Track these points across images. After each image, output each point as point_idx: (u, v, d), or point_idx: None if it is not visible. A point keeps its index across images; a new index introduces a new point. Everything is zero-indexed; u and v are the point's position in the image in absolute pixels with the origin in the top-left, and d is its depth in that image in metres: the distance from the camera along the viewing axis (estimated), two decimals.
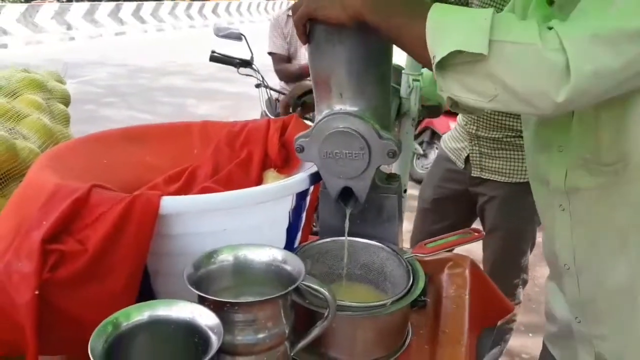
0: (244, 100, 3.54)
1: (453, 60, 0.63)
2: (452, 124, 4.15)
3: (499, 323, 1.16)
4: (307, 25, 0.76)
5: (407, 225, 1.41)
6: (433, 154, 4.16)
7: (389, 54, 0.85)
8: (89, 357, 0.57)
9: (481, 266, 1.60)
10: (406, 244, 1.33)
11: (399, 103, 1.08)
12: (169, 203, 0.74)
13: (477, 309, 0.98)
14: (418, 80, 1.05)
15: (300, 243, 0.97)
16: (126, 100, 6.90)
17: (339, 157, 0.82)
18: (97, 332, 0.61)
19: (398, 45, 0.72)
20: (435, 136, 4.15)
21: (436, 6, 0.65)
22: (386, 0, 0.69)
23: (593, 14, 0.62)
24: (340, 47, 0.77)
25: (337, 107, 0.82)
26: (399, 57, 0.93)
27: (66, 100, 1.26)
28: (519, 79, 0.62)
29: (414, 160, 4.29)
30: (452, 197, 1.70)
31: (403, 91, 1.07)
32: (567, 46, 0.59)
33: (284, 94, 2.92)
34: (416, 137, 4.41)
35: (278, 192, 0.80)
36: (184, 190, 0.98)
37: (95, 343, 0.59)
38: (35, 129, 1.07)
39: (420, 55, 0.67)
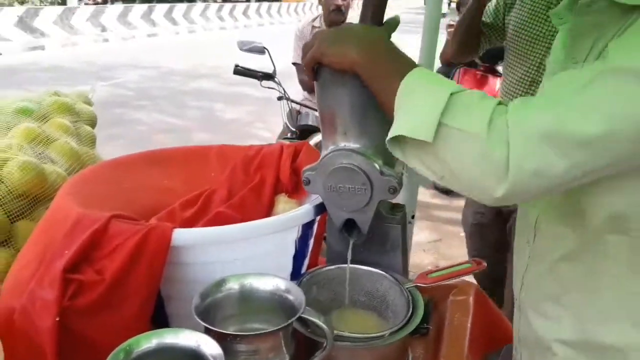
0: (270, 106, 3.60)
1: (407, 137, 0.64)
2: None
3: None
4: (314, 68, 0.80)
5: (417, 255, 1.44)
6: None
7: None
8: None
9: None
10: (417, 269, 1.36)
11: None
12: (181, 235, 0.79)
13: (480, 335, 1.01)
14: None
15: (309, 267, 1.01)
16: (156, 103, 7.06)
17: (342, 191, 0.86)
18: (112, 357, 0.66)
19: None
20: None
21: (411, 75, 0.67)
22: (375, 57, 0.72)
23: (551, 108, 0.59)
24: (343, 89, 0.81)
25: (342, 144, 0.86)
26: None
27: (93, 122, 1.33)
28: (461, 168, 0.61)
29: None
30: (489, 220, 1.81)
31: None
32: (512, 141, 0.57)
33: (306, 106, 2.97)
34: None
35: (283, 224, 0.85)
36: (199, 214, 1.03)
37: None
38: (62, 152, 1.14)
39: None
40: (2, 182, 0.97)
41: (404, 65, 0.70)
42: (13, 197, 0.97)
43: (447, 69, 4.53)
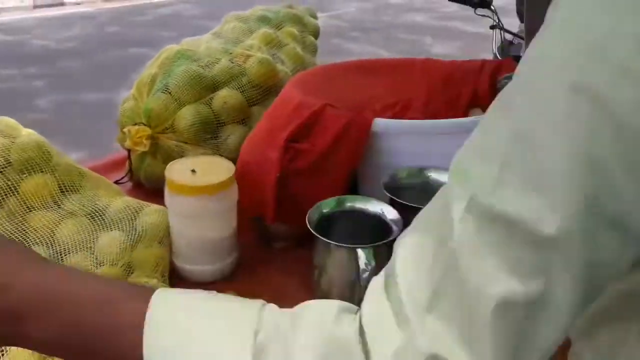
0: (481, 41, 3.49)
1: None
2: None
3: None
4: None
5: None
6: None
7: None
8: (306, 227, 0.79)
9: None
10: None
11: None
12: (379, 123, 0.92)
13: None
14: None
15: None
16: (368, 35, 7.28)
17: None
18: (314, 208, 0.84)
19: None
20: None
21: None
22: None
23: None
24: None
25: None
26: None
27: (316, 34, 1.51)
28: None
29: None
30: None
31: None
32: None
33: (520, 37, 2.83)
34: None
35: (471, 124, 0.91)
36: (396, 116, 1.15)
37: (312, 215, 0.82)
38: (290, 55, 1.35)
39: None
40: (245, 73, 1.21)
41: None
42: (251, 86, 1.20)
43: None
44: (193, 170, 0.90)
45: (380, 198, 0.85)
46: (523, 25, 2.92)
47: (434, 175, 0.92)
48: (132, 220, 0.93)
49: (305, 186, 0.92)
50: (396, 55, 6.20)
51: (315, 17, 1.55)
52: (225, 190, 0.89)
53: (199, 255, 0.92)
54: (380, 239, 0.78)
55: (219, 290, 0.88)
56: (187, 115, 1.13)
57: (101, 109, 4.27)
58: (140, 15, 8.00)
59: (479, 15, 2.65)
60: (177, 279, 0.93)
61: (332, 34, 6.89)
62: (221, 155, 1.15)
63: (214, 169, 0.91)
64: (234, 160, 1.00)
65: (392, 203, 0.84)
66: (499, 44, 2.71)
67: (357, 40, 7.05)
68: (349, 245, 0.76)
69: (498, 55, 2.69)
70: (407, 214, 0.82)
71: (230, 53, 1.24)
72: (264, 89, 1.22)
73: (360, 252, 0.76)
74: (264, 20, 1.41)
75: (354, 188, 0.99)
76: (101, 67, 5.75)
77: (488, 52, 2.95)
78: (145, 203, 0.97)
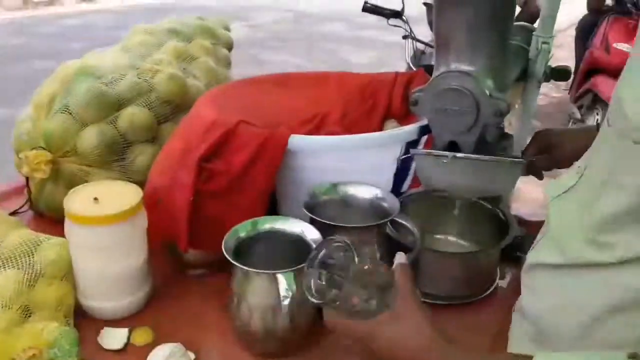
0: (396, 50, 3.58)
1: None
2: None
3: None
4: None
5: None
6: (592, 120, 3.84)
7: (508, 19, 0.88)
8: (222, 253, 0.75)
9: None
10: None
11: (525, 64, 1.09)
12: (295, 140, 0.89)
13: None
14: (547, 43, 1.06)
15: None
16: (287, 45, 7.29)
17: (449, 112, 0.89)
18: (231, 233, 0.79)
19: None
20: (597, 101, 3.81)
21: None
22: None
23: None
24: (461, 9, 0.84)
25: (453, 66, 0.89)
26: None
27: (229, 46, 1.46)
28: None
29: (570, 125, 4.01)
30: None
31: (531, 53, 1.09)
32: None
33: (432, 46, 2.92)
34: (576, 100, 4.09)
35: (387, 139, 0.91)
36: (314, 132, 1.13)
37: (228, 241, 0.77)
38: (202, 69, 1.29)
39: None
40: (154, 89, 1.14)
41: None
42: (160, 103, 1.13)
43: (594, 18, 4.14)
44: (95, 198, 0.82)
45: (302, 217, 0.82)
46: (432, 35, 3.03)
47: (352, 190, 0.90)
48: (29, 256, 0.84)
49: (221, 209, 0.87)
50: (316, 65, 6.25)
51: (228, 29, 1.51)
52: (132, 218, 0.82)
53: (108, 291, 0.85)
54: (302, 260, 0.74)
55: (133, 325, 0.82)
56: (90, 137, 1.04)
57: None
58: (47, 26, 7.55)
59: (391, 25, 2.71)
60: (83, 318, 0.85)
61: (250, 44, 6.83)
62: (130, 178, 1.08)
63: (119, 195, 0.84)
64: (144, 183, 0.94)
65: (313, 222, 0.82)
66: (411, 53, 2.78)
67: (276, 50, 7.03)
68: (268, 272, 0.72)
69: (411, 64, 2.76)
70: (329, 233, 0.79)
71: (137, 68, 1.17)
72: (174, 106, 1.16)
73: (280, 277, 0.73)
74: (173, 32, 1.35)
75: (273, 208, 0.95)
76: (2, 80, 5.35)
77: (404, 60, 3.02)
78: (45, 236, 0.89)
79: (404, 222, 0.80)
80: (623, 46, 3.71)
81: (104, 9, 9.00)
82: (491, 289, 0.92)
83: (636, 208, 0.52)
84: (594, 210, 0.57)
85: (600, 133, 0.60)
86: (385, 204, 0.85)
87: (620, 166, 0.53)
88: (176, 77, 1.17)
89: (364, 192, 0.88)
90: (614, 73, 3.76)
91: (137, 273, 0.86)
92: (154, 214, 0.87)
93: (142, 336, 0.81)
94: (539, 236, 0.72)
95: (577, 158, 0.95)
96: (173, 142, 1.00)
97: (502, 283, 0.95)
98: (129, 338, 0.81)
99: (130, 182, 0.91)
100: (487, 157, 0.86)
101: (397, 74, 1.18)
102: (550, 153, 0.95)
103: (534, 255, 0.69)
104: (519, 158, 0.94)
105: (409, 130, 0.93)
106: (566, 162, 0.96)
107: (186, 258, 0.92)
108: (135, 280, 0.86)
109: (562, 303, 0.62)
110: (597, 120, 3.78)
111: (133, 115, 1.08)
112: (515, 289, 0.93)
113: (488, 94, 0.86)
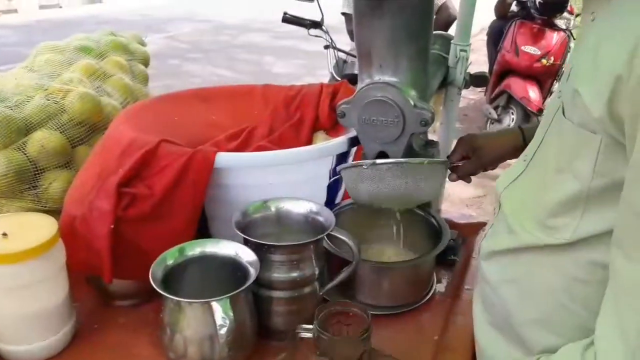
0: (319, 59, 3.60)
1: None
2: (530, 88, 4.02)
3: None
4: None
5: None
6: (508, 120, 4.05)
7: (427, 29, 0.89)
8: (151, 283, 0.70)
9: None
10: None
11: (445, 72, 1.12)
12: (223, 158, 0.86)
13: None
14: (465, 51, 1.09)
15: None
16: (209, 56, 7.17)
17: (375, 123, 0.89)
18: (158, 261, 0.74)
19: None
20: (511, 101, 4.03)
21: None
22: None
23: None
24: (381, 22, 0.84)
25: (377, 77, 0.89)
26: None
27: (146, 61, 1.40)
28: None
29: (488, 126, 4.21)
30: None
31: (450, 61, 1.11)
32: None
33: (354, 55, 2.96)
34: (492, 100, 4.30)
35: (317, 153, 0.89)
36: (242, 147, 1.09)
37: (156, 270, 0.73)
38: (118, 87, 1.22)
39: None
40: (65, 111, 1.06)
41: None
42: (73, 125, 1.06)
43: (502, 22, 4.38)
44: (4, 234, 0.75)
45: (235, 237, 0.79)
46: (353, 44, 3.07)
47: (285, 205, 0.88)
48: None
49: (146, 235, 0.82)
50: (239, 76, 6.18)
51: (143, 44, 1.44)
52: (48, 252, 0.76)
53: (27, 333, 0.77)
54: (237, 284, 0.71)
55: None
56: None
57: None
58: None
59: (312, 35, 2.72)
60: None
61: (169, 56, 6.66)
62: (45, 207, 1.00)
63: (32, 228, 0.77)
64: (59, 212, 0.87)
65: (246, 242, 0.78)
66: (334, 63, 2.80)
67: (198, 61, 6.89)
68: (202, 301, 0.68)
69: (334, 73, 2.78)
70: (263, 253, 0.77)
71: (46, 89, 1.09)
72: (89, 127, 1.09)
73: (215, 305, 0.69)
74: (84, 50, 1.27)
75: (204, 230, 0.91)
76: None
77: (327, 69, 3.03)
78: None
79: (340, 236, 0.79)
80: (530, 49, 3.96)
81: (4, 24, 8.47)
82: (430, 295, 0.92)
83: (586, 192, 0.56)
84: (544, 196, 0.61)
85: (553, 124, 0.62)
86: (320, 218, 0.83)
87: (575, 154, 0.56)
88: (89, 96, 1.10)
89: (297, 207, 0.86)
90: (524, 74, 4.00)
91: (58, 311, 0.79)
92: (72, 246, 0.80)
93: None
94: (487, 226, 0.76)
95: (501, 160, 0.99)
96: (89, 166, 0.93)
97: (440, 287, 0.96)
98: None
99: (45, 211, 0.84)
100: (404, 160, 0.86)
101: (322, 85, 1.17)
102: (476, 156, 0.98)
103: (489, 243, 0.72)
104: (440, 159, 0.96)
105: (339, 142, 0.92)
106: (491, 164, 0.99)
107: (111, 289, 0.86)
108: (57, 319, 0.79)
109: (519, 289, 0.66)
110: (513, 119, 4.00)
111: (43, 139, 1.00)
112: (452, 292, 0.95)
113: (412, 103, 0.86)
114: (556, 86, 4.00)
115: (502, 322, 0.69)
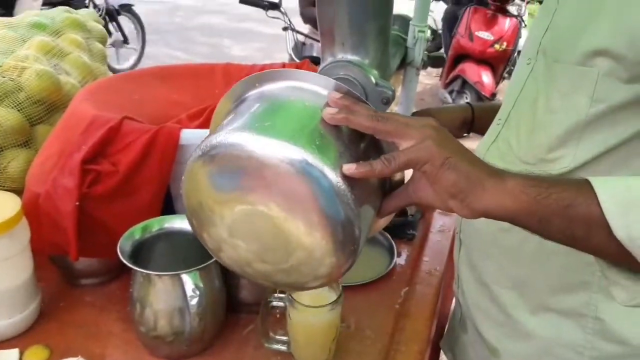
0: (278, 42, 3.58)
1: None
2: (484, 73, 4.13)
3: None
4: None
5: None
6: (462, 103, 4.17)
7: (388, 8, 0.92)
8: (119, 260, 0.71)
9: None
10: None
11: (404, 53, 1.15)
12: (188, 135, 0.86)
13: None
14: (423, 32, 1.12)
15: None
16: (164, 38, 7.00)
17: None
18: (126, 236, 0.75)
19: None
20: (466, 85, 4.14)
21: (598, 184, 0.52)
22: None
23: None
24: (340, 0, 0.86)
25: (340, 56, 0.91)
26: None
27: (103, 40, 1.37)
28: None
29: None
30: None
31: (409, 41, 1.15)
32: None
33: (312, 38, 2.97)
34: (447, 85, 4.41)
35: None
36: (204, 126, 1.10)
37: (124, 245, 0.73)
38: (76, 65, 1.20)
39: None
40: (22, 88, 1.03)
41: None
42: (31, 103, 1.03)
43: (456, 8, 4.47)
44: None
45: None
46: (310, 27, 3.08)
47: None
48: None
49: (112, 212, 0.82)
50: (197, 59, 6.07)
51: (99, 22, 1.41)
52: (11, 230, 0.75)
53: None
54: (205, 260, 0.73)
55: (24, 345, 0.75)
56: None
57: None
58: None
59: (270, 17, 2.71)
60: None
61: None
62: (3, 187, 0.98)
63: None
64: (19, 192, 0.85)
65: None
66: (292, 45, 2.81)
67: (153, 42, 6.72)
68: (172, 273, 0.70)
69: (293, 55, 2.79)
70: None
71: (0, 66, 1.06)
72: (48, 105, 1.07)
73: (185, 277, 0.70)
74: (38, 26, 1.23)
75: (170, 209, 0.92)
76: None
77: (285, 52, 3.03)
78: None
79: None
80: (484, 34, 4.06)
81: None
82: (390, 267, 0.96)
83: (584, 121, 0.63)
84: (540, 134, 0.68)
85: (529, 80, 0.71)
86: None
87: (573, 90, 0.63)
88: (47, 74, 1.07)
89: None
90: (478, 59, 4.11)
91: (23, 289, 0.79)
92: (36, 224, 0.80)
93: (35, 355, 0.74)
94: None
95: (456, 133, 1.03)
96: (50, 144, 0.92)
97: (400, 260, 1.00)
98: (20, 359, 0.74)
99: (5, 191, 0.82)
100: None
101: (284, 64, 1.18)
102: None
103: None
104: None
105: None
106: None
107: (77, 267, 0.86)
108: (22, 297, 0.79)
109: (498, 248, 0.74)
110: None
111: (0, 117, 0.98)
112: (412, 264, 0.99)
113: (374, 82, 0.89)
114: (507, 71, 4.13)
115: (479, 281, 0.77)
